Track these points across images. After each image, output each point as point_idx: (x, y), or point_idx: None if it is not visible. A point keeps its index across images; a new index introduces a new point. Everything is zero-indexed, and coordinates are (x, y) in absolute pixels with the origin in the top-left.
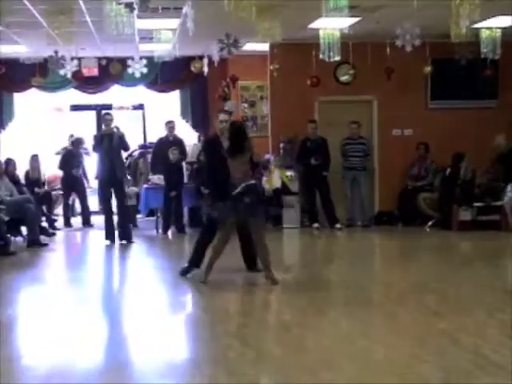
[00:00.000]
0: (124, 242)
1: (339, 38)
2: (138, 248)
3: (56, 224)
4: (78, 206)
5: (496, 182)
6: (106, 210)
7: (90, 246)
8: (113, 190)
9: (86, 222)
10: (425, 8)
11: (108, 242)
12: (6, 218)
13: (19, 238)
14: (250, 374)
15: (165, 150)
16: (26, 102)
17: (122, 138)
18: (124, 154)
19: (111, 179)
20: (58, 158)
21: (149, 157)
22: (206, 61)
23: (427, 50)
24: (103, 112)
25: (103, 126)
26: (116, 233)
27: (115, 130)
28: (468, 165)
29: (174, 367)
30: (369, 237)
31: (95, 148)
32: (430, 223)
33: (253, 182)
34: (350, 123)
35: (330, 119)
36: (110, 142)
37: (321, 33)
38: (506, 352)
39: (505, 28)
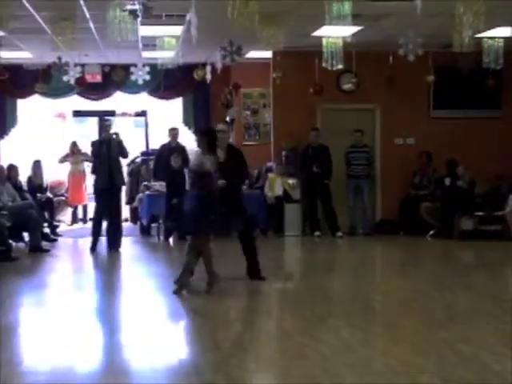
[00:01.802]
0: (113, 250)
1: (342, 46)
2: (139, 255)
3: (58, 230)
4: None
5: (497, 191)
6: (98, 218)
7: (92, 252)
8: (108, 198)
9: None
10: (428, 17)
11: (92, 250)
12: (8, 224)
13: (21, 244)
14: (251, 382)
15: (167, 157)
16: (29, 107)
17: (120, 144)
18: (125, 161)
19: (108, 187)
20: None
21: (151, 163)
22: (208, 68)
23: (430, 60)
24: (103, 118)
25: (102, 132)
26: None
27: (114, 136)
28: (465, 173)
29: (174, 373)
30: (370, 245)
31: (94, 154)
32: (431, 232)
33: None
34: (354, 131)
35: (332, 127)
36: (108, 148)
37: (324, 41)
38: (507, 362)
39: (507, 38)
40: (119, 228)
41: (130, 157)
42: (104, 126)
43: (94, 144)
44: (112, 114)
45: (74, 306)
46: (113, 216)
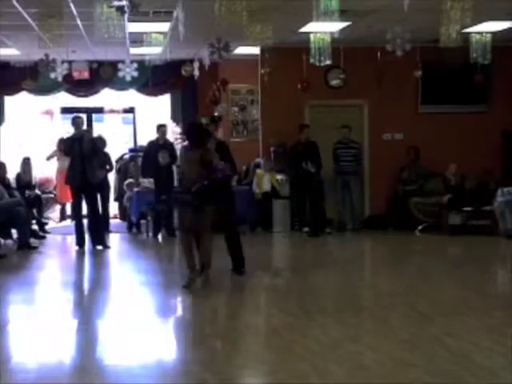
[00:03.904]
0: (100, 247)
1: (330, 42)
2: (128, 251)
3: (46, 227)
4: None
5: (485, 186)
6: (76, 215)
7: (80, 249)
8: (84, 195)
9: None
10: (415, 13)
11: (78, 248)
12: None
13: (9, 241)
14: (239, 378)
15: (155, 154)
16: (17, 105)
17: (92, 141)
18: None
19: (82, 183)
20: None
21: (139, 160)
22: (196, 64)
23: (418, 55)
24: (73, 115)
25: (74, 129)
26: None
27: (86, 133)
28: (456, 172)
29: (162, 370)
30: (359, 241)
31: (66, 152)
32: (420, 227)
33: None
34: (340, 127)
35: (320, 123)
36: (80, 145)
37: (311, 37)
38: (495, 356)
39: (495, 33)
40: (100, 224)
41: (118, 153)
42: (75, 123)
43: (65, 141)
44: (100, 110)
45: (62, 303)
46: (92, 213)
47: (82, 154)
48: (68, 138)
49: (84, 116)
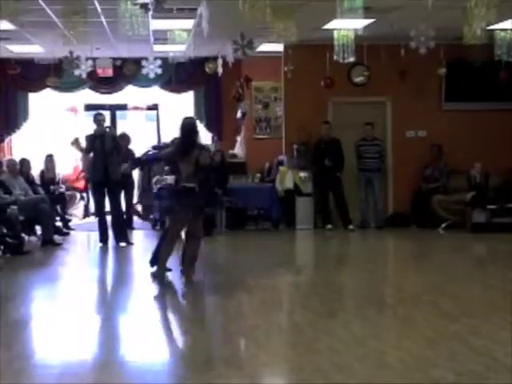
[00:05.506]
0: (123, 244)
1: (353, 39)
2: (151, 248)
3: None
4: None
5: (510, 183)
6: (98, 212)
7: (104, 246)
8: (106, 192)
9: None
10: (440, 10)
11: (101, 244)
12: (21, 218)
13: (33, 238)
14: (263, 375)
15: None
16: (41, 101)
17: (114, 138)
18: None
19: (104, 181)
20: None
21: None
22: (220, 62)
23: (442, 52)
24: (95, 112)
25: (95, 127)
26: (112, 235)
27: (107, 130)
28: (481, 171)
29: (186, 367)
30: (382, 238)
31: (87, 149)
32: (443, 225)
33: (191, 185)
34: (364, 124)
35: (343, 120)
36: (102, 142)
37: (335, 34)
38: None
39: None
40: (123, 221)
41: (142, 151)
42: (97, 120)
43: (87, 138)
44: (124, 107)
45: (85, 299)
46: (114, 210)
47: (103, 150)
48: (89, 135)
49: (108, 113)
